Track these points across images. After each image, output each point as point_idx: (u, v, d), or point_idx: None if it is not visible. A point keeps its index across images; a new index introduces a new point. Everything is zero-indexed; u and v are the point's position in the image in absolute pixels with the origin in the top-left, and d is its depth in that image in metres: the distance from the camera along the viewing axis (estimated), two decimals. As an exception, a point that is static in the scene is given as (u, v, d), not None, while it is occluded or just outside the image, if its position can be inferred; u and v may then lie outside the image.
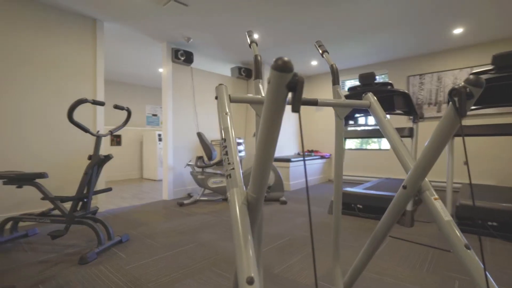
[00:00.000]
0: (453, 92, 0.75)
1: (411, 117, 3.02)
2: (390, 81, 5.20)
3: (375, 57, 4.98)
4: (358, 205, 3.04)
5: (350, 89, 3.08)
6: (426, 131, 4.76)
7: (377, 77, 5.47)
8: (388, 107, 2.89)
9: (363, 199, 3.00)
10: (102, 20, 3.39)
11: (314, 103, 1.10)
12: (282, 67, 0.56)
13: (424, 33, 3.88)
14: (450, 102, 0.76)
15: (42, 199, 2.14)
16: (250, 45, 1.21)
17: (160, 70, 5.76)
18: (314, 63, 5.33)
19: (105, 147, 6.19)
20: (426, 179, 0.94)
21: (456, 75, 4.53)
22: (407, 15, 3.32)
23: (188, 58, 4.29)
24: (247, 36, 1.26)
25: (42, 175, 2.14)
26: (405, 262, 1.90)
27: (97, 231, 2.07)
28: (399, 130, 2.94)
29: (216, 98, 1.02)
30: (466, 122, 4.43)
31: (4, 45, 2.73)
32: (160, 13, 3.21)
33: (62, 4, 2.98)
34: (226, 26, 3.59)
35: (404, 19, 3.44)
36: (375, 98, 1.17)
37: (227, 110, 0.96)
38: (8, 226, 2.75)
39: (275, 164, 4.86)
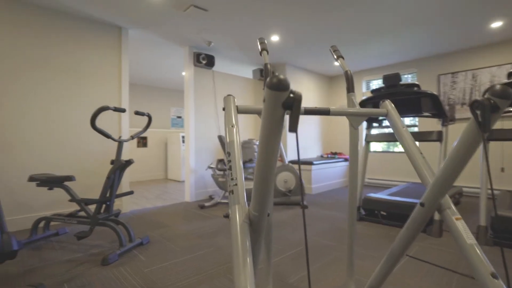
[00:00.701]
0: (475, 105, 0.68)
1: (440, 119, 2.83)
2: (417, 82, 4.94)
3: (402, 55, 4.75)
4: (382, 212, 2.91)
5: (373, 91, 2.95)
6: (458, 134, 4.46)
7: (405, 76, 5.22)
8: (415, 110, 2.74)
9: (387, 205, 2.87)
10: (127, 28, 3.53)
11: (326, 112, 1.06)
12: (277, 85, 0.53)
13: (457, 28, 3.64)
14: (472, 116, 0.69)
15: (70, 201, 2.25)
16: (260, 53, 1.19)
17: (184, 73, 5.89)
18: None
19: (132, 149, 6.45)
20: (447, 195, 0.87)
21: (494, 72, 4.20)
22: (439, 9, 3.13)
23: (209, 61, 4.34)
24: (258, 43, 1.24)
25: (70, 178, 2.26)
26: (431, 277, 1.78)
27: (119, 233, 2.15)
28: (427, 134, 2.77)
29: (224, 109, 1.01)
30: (504, 124, 4.09)
31: (38, 56, 2.92)
32: (181, 19, 3.28)
33: (90, 14, 3.13)
34: (246, 29, 3.59)
35: (435, 14, 3.24)
36: (393, 105, 1.10)
37: (234, 123, 0.95)
38: (41, 224, 2.94)
39: (296, 166, 4.79)
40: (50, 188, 2.35)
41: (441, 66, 4.69)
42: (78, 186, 3.16)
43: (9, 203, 2.76)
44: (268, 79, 0.54)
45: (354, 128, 1.13)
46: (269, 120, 0.57)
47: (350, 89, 1.15)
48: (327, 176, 5.03)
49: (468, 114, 4.40)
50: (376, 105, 2.96)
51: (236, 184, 0.79)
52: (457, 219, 0.82)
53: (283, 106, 0.56)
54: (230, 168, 0.82)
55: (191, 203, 4.03)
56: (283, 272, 1.86)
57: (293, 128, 0.59)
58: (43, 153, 2.95)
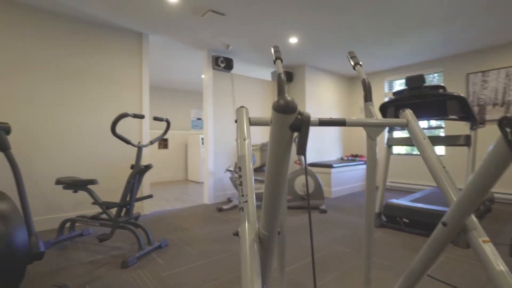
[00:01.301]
0: (504, 122, 0.62)
1: (469, 123, 2.68)
2: (443, 82, 4.70)
3: (427, 54, 4.54)
4: (404, 219, 2.79)
5: (395, 93, 2.84)
6: (489, 137, 4.20)
7: (431, 75, 4.99)
8: (440, 113, 2.60)
9: (410, 212, 2.75)
10: (147, 34, 3.62)
11: (341, 123, 1.02)
12: (284, 108, 0.51)
13: (488, 23, 3.43)
14: (501, 133, 0.63)
15: (93, 203, 2.34)
16: (274, 62, 1.17)
17: (203, 76, 5.97)
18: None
19: (153, 151, 6.61)
20: (473, 216, 0.81)
21: (529, 70, 3.92)
22: (467, 3, 2.96)
23: (228, 64, 4.37)
24: (273, 52, 1.22)
25: (93, 182, 2.34)
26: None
27: (138, 236, 2.20)
28: (454, 138, 2.63)
29: (236, 121, 1.00)
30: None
31: (69, 67, 3.06)
32: (199, 23, 3.32)
33: (112, 22, 3.24)
34: (264, 31, 3.57)
35: (462, 8, 3.07)
36: (413, 115, 1.04)
37: (246, 135, 0.93)
38: (68, 225, 3.07)
39: (315, 169, 4.71)
40: (75, 191, 2.45)
41: (470, 65, 4.44)
42: (100, 189, 3.28)
43: (40, 204, 2.91)
44: (275, 101, 0.52)
45: (372, 139, 1.08)
46: (277, 143, 0.55)
47: (368, 98, 1.10)
48: (347, 179, 4.92)
49: (501, 115, 4.13)
50: (399, 109, 2.85)
51: (246, 201, 0.77)
52: (484, 241, 0.76)
53: (291, 128, 0.53)
54: (241, 184, 0.81)
55: (209, 205, 4.07)
56: (298, 281, 1.82)
57: (301, 151, 0.56)
58: (71, 157, 3.08)
